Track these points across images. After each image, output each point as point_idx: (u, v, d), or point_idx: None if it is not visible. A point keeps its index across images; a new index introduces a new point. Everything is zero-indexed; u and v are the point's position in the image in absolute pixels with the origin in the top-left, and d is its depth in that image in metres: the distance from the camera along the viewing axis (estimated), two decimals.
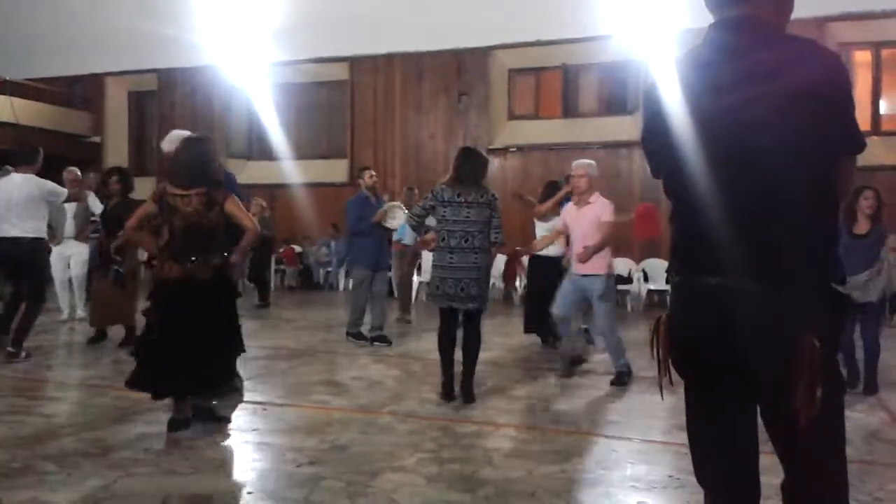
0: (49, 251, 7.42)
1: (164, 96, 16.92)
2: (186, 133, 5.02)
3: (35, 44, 15.96)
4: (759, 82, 1.82)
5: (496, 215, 5.53)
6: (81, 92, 17.43)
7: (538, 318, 7.65)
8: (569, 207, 6.62)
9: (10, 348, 6.65)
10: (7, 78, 15.40)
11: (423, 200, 5.68)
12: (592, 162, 6.56)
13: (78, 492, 3.51)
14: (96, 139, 17.25)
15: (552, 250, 7.56)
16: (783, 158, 1.80)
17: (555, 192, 7.91)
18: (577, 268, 6.24)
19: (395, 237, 9.35)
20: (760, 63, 1.85)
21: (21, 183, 6.79)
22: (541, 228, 7.93)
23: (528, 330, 8.27)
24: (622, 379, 6.15)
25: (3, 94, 14.94)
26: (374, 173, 8.53)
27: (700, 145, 1.88)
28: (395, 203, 8.59)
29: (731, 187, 1.85)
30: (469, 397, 5.48)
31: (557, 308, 6.39)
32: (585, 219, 6.28)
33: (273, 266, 14.44)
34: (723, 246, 1.85)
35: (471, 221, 5.44)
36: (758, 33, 1.90)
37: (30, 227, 6.73)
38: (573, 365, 6.66)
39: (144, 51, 15.30)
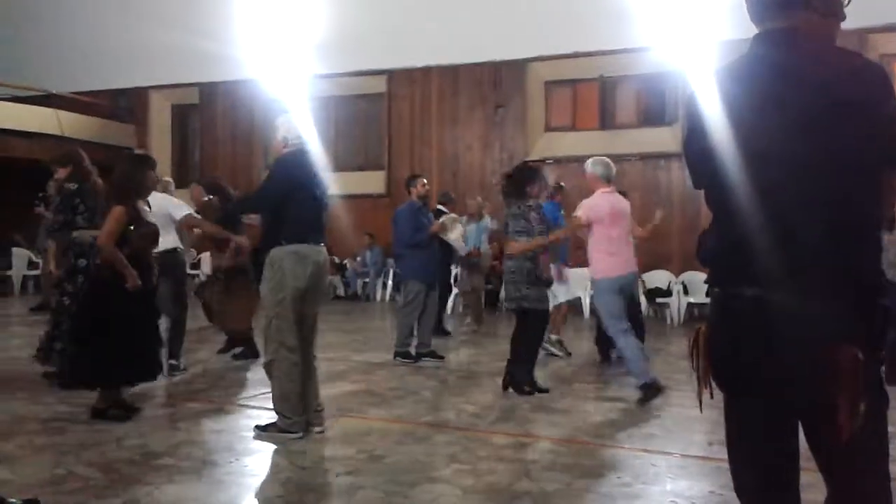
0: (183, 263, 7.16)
1: (205, 110, 17.20)
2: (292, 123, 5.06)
3: (81, 58, 16.33)
4: (801, 96, 1.81)
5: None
6: (126, 105, 17.76)
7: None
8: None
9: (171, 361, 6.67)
10: (54, 91, 15.80)
11: None
12: None
13: (121, 498, 3.57)
14: (140, 151, 17.58)
15: None
16: (825, 171, 1.78)
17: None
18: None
19: (470, 244, 9.37)
20: (804, 77, 1.83)
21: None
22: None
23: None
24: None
25: (50, 106, 15.32)
26: (426, 181, 8.10)
27: (740, 157, 1.87)
28: (454, 216, 8.45)
29: (770, 199, 1.84)
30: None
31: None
32: None
33: None
34: (761, 257, 1.83)
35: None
36: (801, 46, 1.89)
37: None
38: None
39: (187, 65, 15.60)
